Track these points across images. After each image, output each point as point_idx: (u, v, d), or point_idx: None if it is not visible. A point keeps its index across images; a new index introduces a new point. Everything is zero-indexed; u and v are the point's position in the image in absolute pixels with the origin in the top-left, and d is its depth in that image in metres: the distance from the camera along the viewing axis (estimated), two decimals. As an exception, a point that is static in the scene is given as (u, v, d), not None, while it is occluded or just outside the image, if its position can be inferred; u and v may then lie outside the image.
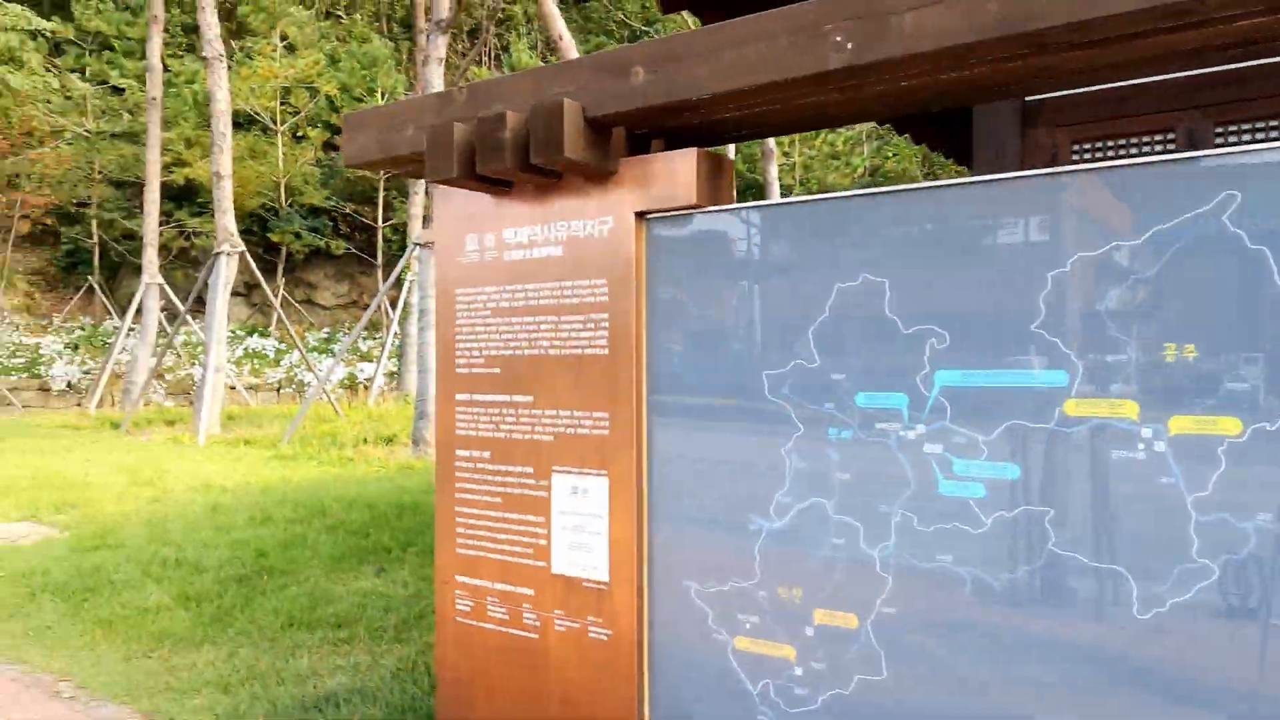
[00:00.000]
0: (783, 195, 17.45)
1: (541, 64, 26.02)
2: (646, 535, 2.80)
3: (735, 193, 3.00)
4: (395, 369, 17.81)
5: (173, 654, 4.58)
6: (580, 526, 2.89)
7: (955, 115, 5.37)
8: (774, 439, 2.53)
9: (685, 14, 5.61)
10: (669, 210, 2.67)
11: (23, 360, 17.83)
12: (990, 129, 4.32)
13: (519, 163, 2.68)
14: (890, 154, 20.03)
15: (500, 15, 25.43)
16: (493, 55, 27.28)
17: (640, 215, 2.74)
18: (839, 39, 2.17)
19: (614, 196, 2.77)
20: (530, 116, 2.57)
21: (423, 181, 16.59)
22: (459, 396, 3.18)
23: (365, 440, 11.05)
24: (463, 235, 3.15)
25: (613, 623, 2.82)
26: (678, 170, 2.61)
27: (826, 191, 19.60)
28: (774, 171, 13.73)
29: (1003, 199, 2.20)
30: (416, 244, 10.44)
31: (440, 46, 9.95)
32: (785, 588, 2.53)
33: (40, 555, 6.20)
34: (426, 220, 11.34)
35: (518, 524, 3.02)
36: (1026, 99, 4.16)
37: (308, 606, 5.09)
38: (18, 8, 25.43)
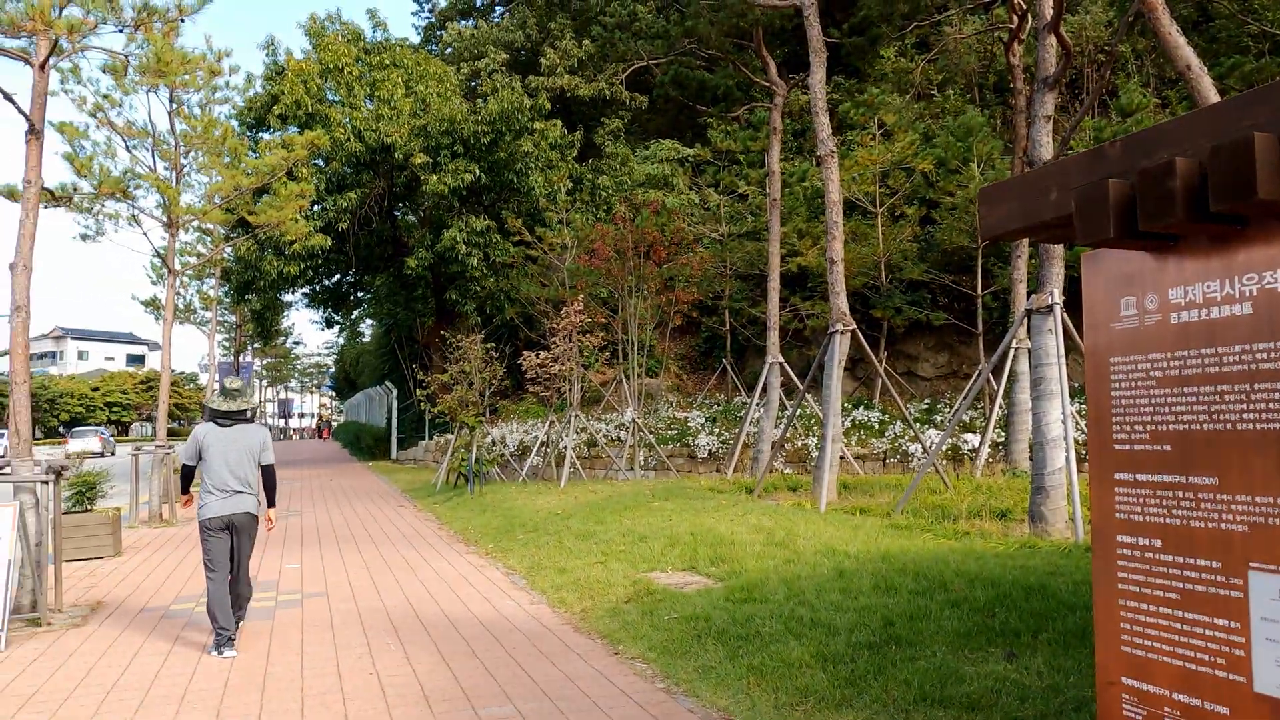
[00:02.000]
0: None
1: (1158, 103, 23.33)
2: (1400, 661, 2.19)
3: None
4: (1000, 439, 17.12)
5: (815, 710, 4.88)
6: (1294, 639, 2.38)
7: None
8: None
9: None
10: None
11: (675, 431, 21.19)
12: None
13: (1191, 213, 2.38)
14: None
15: (1104, 58, 23.56)
16: (1095, 102, 25.28)
17: (1368, 257, 2.22)
18: None
19: (1325, 238, 2.29)
20: (1210, 159, 2.27)
21: (1025, 245, 15.90)
22: (1118, 475, 2.88)
23: (978, 514, 10.74)
24: (1116, 299, 2.89)
25: (1353, 768, 2.24)
26: None
27: None
28: None
29: None
30: (1028, 310, 9.97)
31: (1048, 104, 9.53)
32: None
33: (701, 602, 7.16)
34: (1035, 283, 10.81)
35: (1202, 626, 2.60)
36: None
37: (938, 683, 5.03)
38: (669, 142, 31.15)
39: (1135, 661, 2.81)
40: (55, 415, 72.89)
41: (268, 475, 6.90)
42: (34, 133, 8.18)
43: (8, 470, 7.73)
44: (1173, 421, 2.69)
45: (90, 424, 68.94)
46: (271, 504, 7.02)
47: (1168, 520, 2.71)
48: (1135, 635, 2.82)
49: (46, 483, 7.82)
